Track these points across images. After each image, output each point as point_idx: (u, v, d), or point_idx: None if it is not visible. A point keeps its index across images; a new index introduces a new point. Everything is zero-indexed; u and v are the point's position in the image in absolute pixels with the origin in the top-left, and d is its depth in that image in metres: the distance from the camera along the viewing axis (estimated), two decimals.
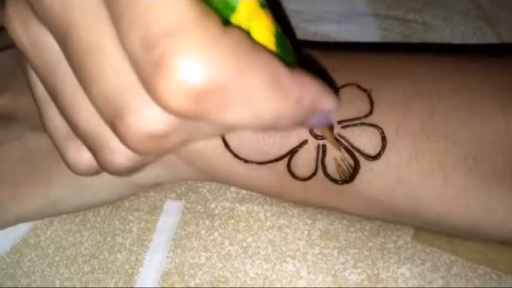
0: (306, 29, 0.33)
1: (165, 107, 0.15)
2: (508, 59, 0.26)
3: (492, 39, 0.33)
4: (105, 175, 0.26)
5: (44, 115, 0.21)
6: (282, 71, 0.16)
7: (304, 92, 0.17)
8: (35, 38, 0.18)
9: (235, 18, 0.16)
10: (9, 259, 0.28)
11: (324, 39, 0.33)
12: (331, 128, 0.24)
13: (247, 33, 0.16)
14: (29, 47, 0.18)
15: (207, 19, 0.14)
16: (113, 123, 0.17)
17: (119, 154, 0.18)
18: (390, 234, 0.27)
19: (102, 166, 0.19)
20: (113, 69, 0.16)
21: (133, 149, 0.17)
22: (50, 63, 0.18)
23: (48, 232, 0.28)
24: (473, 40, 0.33)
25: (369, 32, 0.33)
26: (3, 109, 0.28)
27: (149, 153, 0.17)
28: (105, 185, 0.27)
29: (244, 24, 0.16)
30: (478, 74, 0.25)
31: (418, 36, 0.34)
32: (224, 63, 0.14)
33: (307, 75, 0.17)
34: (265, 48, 0.16)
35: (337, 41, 0.33)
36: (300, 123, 0.17)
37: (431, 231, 0.26)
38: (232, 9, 0.16)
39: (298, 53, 0.22)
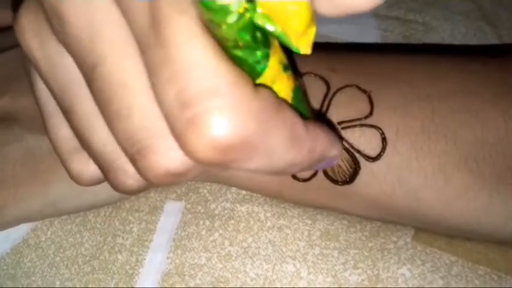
0: None
1: (193, 159, 0.16)
2: (509, 61, 0.26)
3: (493, 40, 0.33)
4: None
5: (48, 123, 0.21)
6: (299, 126, 0.17)
7: (316, 144, 0.18)
8: (51, 56, 0.18)
9: (260, 81, 0.17)
10: (10, 260, 0.28)
11: (324, 39, 0.33)
12: None
13: (274, 94, 0.17)
14: (44, 64, 0.19)
15: (241, 82, 0.15)
16: (133, 158, 0.17)
17: (132, 178, 0.19)
18: (390, 235, 0.27)
19: (111, 184, 0.20)
20: (140, 110, 0.17)
21: (151, 182, 0.18)
22: (67, 83, 0.18)
23: (49, 233, 0.28)
24: (474, 41, 0.33)
25: (369, 33, 0.33)
26: (4, 110, 0.28)
27: (163, 185, 0.18)
28: (106, 186, 0.27)
29: (269, 83, 0.17)
30: (479, 75, 0.25)
31: (418, 36, 0.34)
32: (254, 123, 0.15)
33: (319, 127, 0.18)
34: (287, 105, 0.17)
35: (337, 41, 0.33)
36: (308, 169, 0.19)
37: (432, 231, 0.26)
38: (258, 74, 0.16)
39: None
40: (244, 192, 0.28)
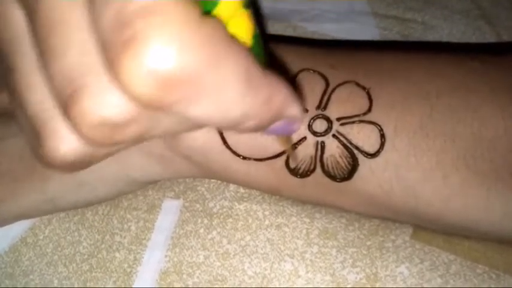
0: (305, 28, 0.33)
1: (128, 91, 0.14)
2: (508, 59, 0.26)
3: (491, 39, 0.33)
4: (103, 171, 0.26)
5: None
6: (255, 68, 0.15)
7: (274, 94, 0.16)
8: (3, 8, 0.17)
9: (216, 13, 0.15)
10: (8, 258, 0.28)
11: (322, 38, 0.33)
12: (290, 139, 0.24)
13: (224, 26, 0.15)
14: None
15: (187, 3, 0.13)
16: (66, 104, 0.15)
17: (65, 142, 0.16)
18: (389, 233, 0.27)
19: (44, 157, 0.17)
20: (77, 46, 0.15)
21: (83, 135, 0.16)
22: (13, 35, 0.17)
23: (47, 231, 0.28)
24: (473, 40, 0.33)
25: (367, 31, 0.33)
26: (2, 106, 0.28)
27: (99, 142, 0.16)
28: (103, 181, 0.27)
29: (224, 20, 0.15)
30: (478, 73, 0.25)
31: (417, 35, 0.34)
32: (200, 52, 0.13)
33: (278, 78, 0.16)
34: (241, 44, 0.15)
35: (336, 40, 0.33)
36: (264, 127, 0.17)
37: (430, 229, 0.26)
38: (214, 4, 0.15)
39: (272, 57, 0.22)
40: (242, 190, 0.28)
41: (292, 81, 0.25)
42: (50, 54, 0.15)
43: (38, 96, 0.17)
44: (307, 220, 0.27)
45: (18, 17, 0.17)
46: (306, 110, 0.24)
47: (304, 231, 0.27)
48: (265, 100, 0.16)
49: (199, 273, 0.26)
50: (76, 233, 0.28)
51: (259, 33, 0.17)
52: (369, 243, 0.26)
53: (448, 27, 0.34)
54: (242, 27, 0.16)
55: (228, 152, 0.25)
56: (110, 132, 0.15)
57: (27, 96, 0.17)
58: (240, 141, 0.25)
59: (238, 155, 0.25)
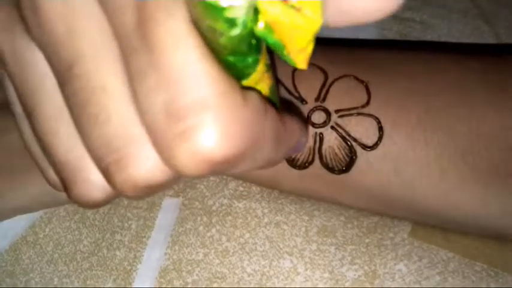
0: None
1: (178, 172, 0.15)
2: (506, 59, 0.26)
3: (490, 39, 0.34)
4: None
5: (22, 131, 0.20)
6: (280, 126, 0.17)
7: (292, 137, 0.18)
8: (20, 50, 0.17)
9: (246, 83, 0.16)
10: (8, 256, 0.28)
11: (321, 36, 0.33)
12: None
13: (260, 96, 0.16)
14: (11, 57, 0.17)
15: (234, 91, 0.14)
16: (107, 168, 0.16)
17: (97, 189, 0.17)
18: (387, 231, 0.27)
19: (73, 197, 0.18)
20: (119, 116, 0.15)
21: (123, 194, 0.16)
22: (33, 81, 0.17)
23: (47, 229, 0.28)
24: (471, 39, 0.34)
25: (366, 31, 0.33)
26: (2, 100, 0.28)
27: (136, 197, 0.17)
28: None
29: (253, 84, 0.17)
30: (476, 72, 0.25)
31: (415, 35, 0.34)
32: (244, 136, 0.15)
33: (292, 120, 0.18)
34: (270, 107, 0.17)
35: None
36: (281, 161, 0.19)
37: (428, 225, 0.26)
38: (246, 77, 0.16)
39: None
40: (241, 188, 0.28)
41: (298, 111, 0.25)
42: (88, 121, 0.16)
43: (65, 144, 0.17)
44: (306, 218, 0.27)
45: (39, 60, 0.17)
46: (362, 82, 0.25)
47: (303, 228, 0.27)
48: (287, 147, 0.18)
49: (199, 271, 0.26)
50: (76, 232, 0.28)
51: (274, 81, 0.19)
52: (367, 240, 0.26)
53: (446, 26, 0.34)
54: (265, 88, 0.17)
55: None
56: (151, 190, 0.16)
57: (53, 142, 0.17)
58: None
59: None
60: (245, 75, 0.16)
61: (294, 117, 0.18)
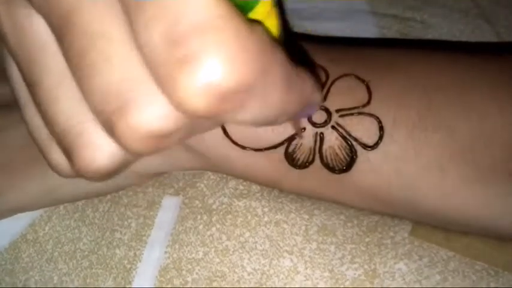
0: (304, 27, 0.33)
1: (184, 107, 0.14)
2: (506, 56, 0.26)
3: (491, 38, 0.34)
4: None
5: (25, 115, 0.19)
6: (291, 68, 0.16)
7: (305, 88, 0.17)
8: (19, 20, 0.17)
9: (253, 15, 0.16)
10: (8, 255, 0.28)
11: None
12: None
13: (267, 31, 0.15)
14: (11, 30, 0.17)
15: (235, 16, 0.14)
16: (110, 119, 0.15)
17: (101, 153, 0.17)
18: (387, 230, 0.27)
19: (78, 167, 0.17)
20: (119, 60, 0.15)
21: (128, 148, 0.16)
22: (33, 48, 0.17)
23: (47, 228, 0.28)
24: (472, 38, 0.34)
25: (367, 30, 0.33)
26: (3, 98, 0.28)
27: (143, 153, 0.16)
28: None
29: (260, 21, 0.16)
30: (476, 69, 0.25)
31: (416, 34, 0.34)
32: (253, 62, 0.14)
33: (304, 71, 0.17)
34: (279, 46, 0.16)
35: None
36: (294, 118, 0.18)
37: (429, 224, 0.26)
38: (251, 8, 0.15)
39: (294, 45, 0.22)
40: (241, 187, 0.28)
41: (313, 68, 0.25)
42: (88, 70, 0.15)
43: (67, 111, 0.17)
44: (306, 217, 0.27)
45: (38, 27, 0.16)
46: (363, 81, 0.24)
47: (303, 227, 0.27)
48: (299, 94, 0.16)
49: (199, 270, 0.26)
50: (76, 230, 0.28)
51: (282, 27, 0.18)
52: (367, 239, 0.26)
53: (447, 25, 0.34)
54: (273, 25, 0.16)
55: (228, 142, 0.25)
56: (156, 142, 0.15)
57: (56, 110, 0.17)
58: (239, 131, 0.25)
59: (238, 145, 0.25)
60: (249, 7, 0.15)
61: (305, 69, 0.18)
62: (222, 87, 0.13)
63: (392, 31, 0.34)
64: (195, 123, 0.16)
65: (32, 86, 0.17)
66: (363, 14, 0.34)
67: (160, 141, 0.15)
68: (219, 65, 0.13)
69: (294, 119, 0.19)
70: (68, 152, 0.17)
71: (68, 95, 0.16)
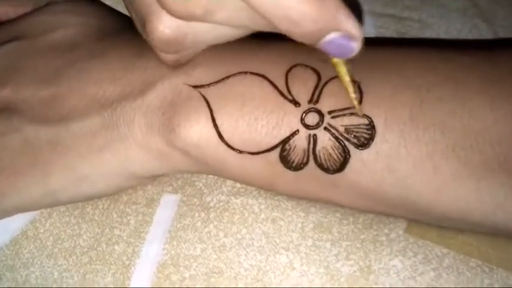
0: None
1: (169, 10, 0.21)
2: (498, 53, 0.27)
3: (488, 37, 0.34)
4: (103, 166, 0.27)
5: None
6: None
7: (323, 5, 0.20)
8: None
9: None
10: (9, 251, 0.29)
11: None
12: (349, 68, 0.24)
13: None
14: None
15: None
16: (144, 23, 0.24)
17: (160, 21, 0.23)
18: (383, 227, 0.27)
19: (151, 32, 0.24)
20: None
21: (167, 8, 0.22)
22: None
23: (47, 224, 0.29)
24: (469, 38, 0.34)
25: (364, 30, 0.34)
26: (4, 101, 0.28)
27: (180, 13, 0.22)
28: (103, 176, 0.27)
29: None
30: (467, 66, 0.25)
31: (413, 34, 0.34)
32: None
33: None
34: None
35: None
36: (320, 34, 0.21)
37: (423, 222, 0.27)
38: None
39: None
40: (239, 185, 0.28)
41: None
42: None
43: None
44: (302, 214, 0.27)
45: None
46: (354, 81, 0.25)
47: (299, 224, 0.27)
48: (319, 4, 0.19)
49: (196, 266, 0.27)
50: (76, 227, 0.29)
51: None
52: (362, 236, 0.27)
53: (444, 25, 0.34)
54: None
55: (224, 146, 0.25)
56: (172, 43, 0.24)
57: None
58: (235, 135, 0.25)
59: (234, 149, 0.25)
60: None
61: None
62: None
63: (389, 31, 0.34)
64: (199, 28, 0.23)
65: None
66: None
67: (175, 43, 0.24)
68: None
69: (330, 49, 0.21)
70: (142, 22, 0.24)
71: None
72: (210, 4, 0.21)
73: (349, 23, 0.20)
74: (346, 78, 0.24)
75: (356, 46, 0.21)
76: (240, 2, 0.20)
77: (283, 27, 0.20)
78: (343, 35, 0.21)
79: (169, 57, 0.26)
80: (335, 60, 0.24)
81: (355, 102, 0.24)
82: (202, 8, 0.21)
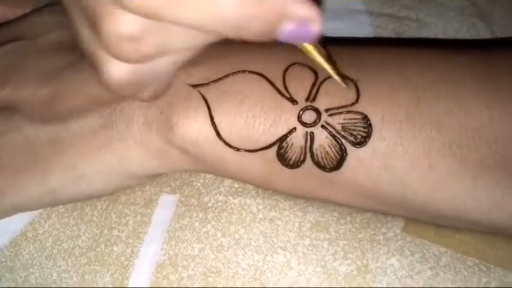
0: None
1: (126, 6, 0.18)
2: (494, 52, 0.27)
3: (486, 36, 0.34)
4: (102, 165, 0.27)
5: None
6: None
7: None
8: None
9: None
10: (8, 252, 0.29)
11: None
12: (320, 47, 0.23)
13: None
14: None
15: None
16: (96, 33, 0.20)
17: (113, 65, 0.21)
18: (380, 227, 0.27)
19: (104, 82, 0.22)
20: None
21: (115, 55, 0.20)
22: None
23: (46, 225, 0.29)
24: (467, 37, 0.34)
25: (362, 30, 0.34)
26: (4, 100, 0.29)
27: (131, 57, 0.20)
28: (101, 175, 0.27)
29: None
30: (464, 65, 0.25)
31: (411, 33, 0.34)
32: None
33: None
34: None
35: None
36: (271, 30, 0.19)
37: (420, 220, 0.27)
38: None
39: None
40: (236, 185, 0.29)
41: None
42: None
43: (85, 36, 0.21)
44: (300, 214, 0.27)
45: None
46: (351, 80, 0.25)
47: (297, 224, 0.27)
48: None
49: (194, 266, 0.27)
50: (75, 228, 0.29)
51: None
52: (360, 236, 0.27)
53: (442, 24, 0.34)
54: None
55: (221, 144, 0.26)
56: (132, 45, 0.19)
57: (80, 39, 0.22)
58: (232, 133, 0.25)
59: (231, 147, 0.26)
60: None
61: None
62: None
63: (387, 30, 0.34)
64: (161, 29, 0.19)
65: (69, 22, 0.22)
66: (358, 13, 0.34)
67: (137, 44, 0.19)
68: None
69: (291, 39, 0.20)
70: (94, 70, 0.22)
71: (84, 22, 0.21)
72: (159, 44, 0.20)
73: (299, 9, 0.18)
74: (318, 59, 0.23)
75: (315, 28, 0.19)
76: (180, 28, 0.19)
77: (232, 35, 0.19)
78: (297, 22, 0.19)
79: (141, 97, 0.24)
80: (301, 45, 0.22)
81: (332, 72, 0.24)
82: (153, 45, 0.20)
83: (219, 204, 0.28)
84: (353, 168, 0.25)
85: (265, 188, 0.28)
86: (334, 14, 0.34)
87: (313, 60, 0.23)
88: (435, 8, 0.35)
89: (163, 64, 0.22)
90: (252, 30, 0.18)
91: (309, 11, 0.18)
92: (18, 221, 0.29)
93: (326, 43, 0.27)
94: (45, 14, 0.32)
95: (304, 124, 0.25)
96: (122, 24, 0.19)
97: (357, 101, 0.25)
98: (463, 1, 0.35)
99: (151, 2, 0.17)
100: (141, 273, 0.27)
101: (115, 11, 0.19)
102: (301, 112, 0.25)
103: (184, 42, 0.20)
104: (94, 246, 0.28)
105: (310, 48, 0.22)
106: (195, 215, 0.28)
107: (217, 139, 0.26)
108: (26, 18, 0.32)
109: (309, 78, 0.25)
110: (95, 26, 0.20)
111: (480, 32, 0.34)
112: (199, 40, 0.21)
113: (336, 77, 0.24)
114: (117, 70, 0.21)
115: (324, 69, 0.24)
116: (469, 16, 0.34)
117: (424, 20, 0.34)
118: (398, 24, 0.34)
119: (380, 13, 0.34)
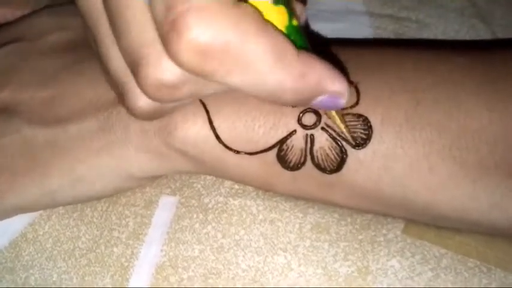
0: None
1: (175, 60, 0.18)
2: (494, 53, 0.27)
3: (486, 37, 0.34)
4: (101, 167, 0.27)
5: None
6: (287, 47, 0.19)
7: (309, 70, 0.19)
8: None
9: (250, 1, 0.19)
10: (8, 253, 0.29)
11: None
12: (340, 113, 0.24)
13: (256, 10, 0.18)
14: (81, 3, 0.22)
15: None
16: (134, 72, 0.20)
17: (141, 99, 0.22)
18: (380, 228, 0.27)
19: (128, 109, 0.22)
20: (138, 26, 0.19)
21: (149, 95, 0.20)
22: (94, 14, 0.21)
23: (46, 227, 0.29)
24: (467, 38, 0.34)
25: (362, 30, 0.34)
26: (3, 102, 0.29)
27: (162, 100, 0.20)
28: (101, 177, 0.27)
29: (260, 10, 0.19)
30: (463, 67, 0.25)
31: (411, 34, 0.34)
32: (229, 29, 0.17)
33: (316, 58, 0.19)
34: (274, 27, 0.18)
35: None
36: (305, 100, 0.20)
37: (420, 222, 0.27)
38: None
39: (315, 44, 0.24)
40: (237, 186, 0.28)
41: (339, 66, 0.26)
42: (117, 33, 0.20)
43: (117, 63, 0.21)
44: (300, 215, 0.27)
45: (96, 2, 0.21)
46: (351, 82, 0.25)
47: (297, 225, 0.27)
48: (299, 74, 0.19)
49: (194, 267, 0.27)
50: (75, 229, 0.29)
51: (299, 26, 0.21)
52: (360, 237, 0.27)
53: (442, 25, 0.34)
54: (274, 18, 0.19)
55: (221, 146, 0.26)
56: (169, 91, 0.20)
57: (109, 64, 0.22)
58: (232, 135, 0.25)
59: (231, 149, 0.26)
60: None
61: (323, 59, 0.20)
62: (201, 44, 0.17)
63: (387, 31, 0.34)
64: (199, 81, 0.20)
65: (94, 43, 0.23)
66: (359, 14, 0.34)
67: (172, 91, 0.20)
68: (199, 26, 0.17)
69: (320, 107, 0.21)
70: (120, 97, 0.23)
71: (117, 53, 0.21)
72: (194, 91, 0.21)
73: (334, 85, 0.20)
74: (341, 126, 0.24)
75: (344, 100, 0.21)
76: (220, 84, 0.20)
77: (270, 101, 0.20)
78: (330, 95, 0.20)
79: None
80: (326, 112, 0.24)
81: (348, 136, 0.25)
82: (186, 92, 0.20)
83: (219, 205, 0.28)
84: (353, 170, 0.25)
85: (265, 190, 0.28)
86: (334, 15, 0.34)
87: (334, 122, 0.24)
88: (435, 9, 0.35)
89: (188, 101, 0.23)
90: (285, 99, 0.20)
91: (341, 87, 0.20)
92: (18, 222, 0.29)
93: (327, 44, 0.27)
94: (45, 15, 0.32)
95: (304, 126, 0.25)
96: (164, 72, 0.19)
97: (357, 103, 0.25)
98: (463, 2, 0.35)
99: (205, 64, 0.18)
100: (141, 275, 0.27)
101: (162, 59, 0.19)
102: (301, 114, 0.25)
103: (215, 90, 0.21)
104: (94, 248, 0.28)
105: (334, 112, 0.24)
106: (195, 216, 0.28)
107: (217, 142, 0.26)
108: (25, 19, 0.32)
109: None
110: (135, 65, 0.20)
111: (480, 33, 0.34)
112: (227, 89, 0.21)
113: (349, 138, 0.25)
114: (144, 102, 0.22)
115: (341, 131, 0.25)
116: (469, 17, 0.34)
117: (424, 21, 0.34)
118: (398, 25, 0.34)
119: (380, 14, 0.34)
